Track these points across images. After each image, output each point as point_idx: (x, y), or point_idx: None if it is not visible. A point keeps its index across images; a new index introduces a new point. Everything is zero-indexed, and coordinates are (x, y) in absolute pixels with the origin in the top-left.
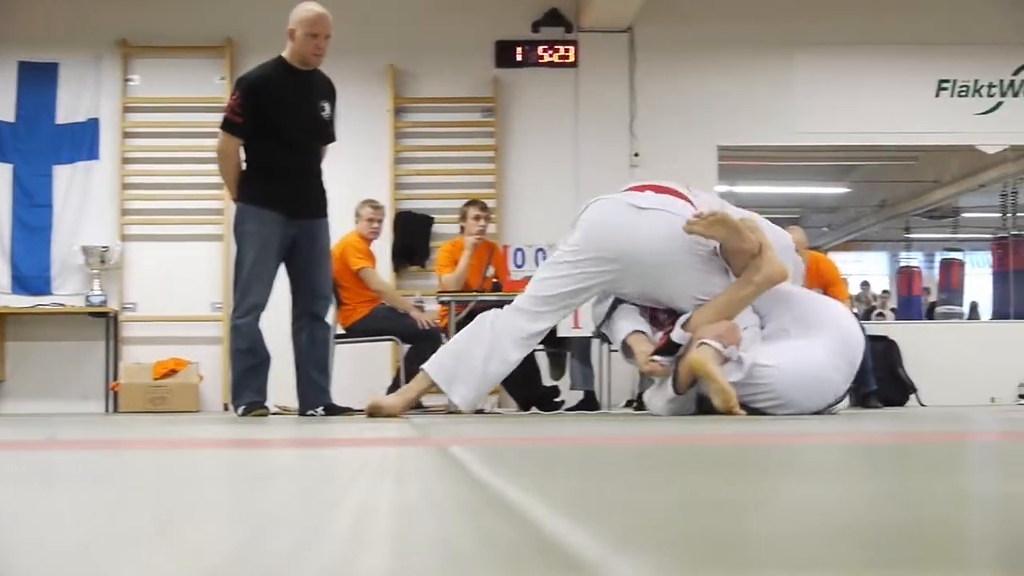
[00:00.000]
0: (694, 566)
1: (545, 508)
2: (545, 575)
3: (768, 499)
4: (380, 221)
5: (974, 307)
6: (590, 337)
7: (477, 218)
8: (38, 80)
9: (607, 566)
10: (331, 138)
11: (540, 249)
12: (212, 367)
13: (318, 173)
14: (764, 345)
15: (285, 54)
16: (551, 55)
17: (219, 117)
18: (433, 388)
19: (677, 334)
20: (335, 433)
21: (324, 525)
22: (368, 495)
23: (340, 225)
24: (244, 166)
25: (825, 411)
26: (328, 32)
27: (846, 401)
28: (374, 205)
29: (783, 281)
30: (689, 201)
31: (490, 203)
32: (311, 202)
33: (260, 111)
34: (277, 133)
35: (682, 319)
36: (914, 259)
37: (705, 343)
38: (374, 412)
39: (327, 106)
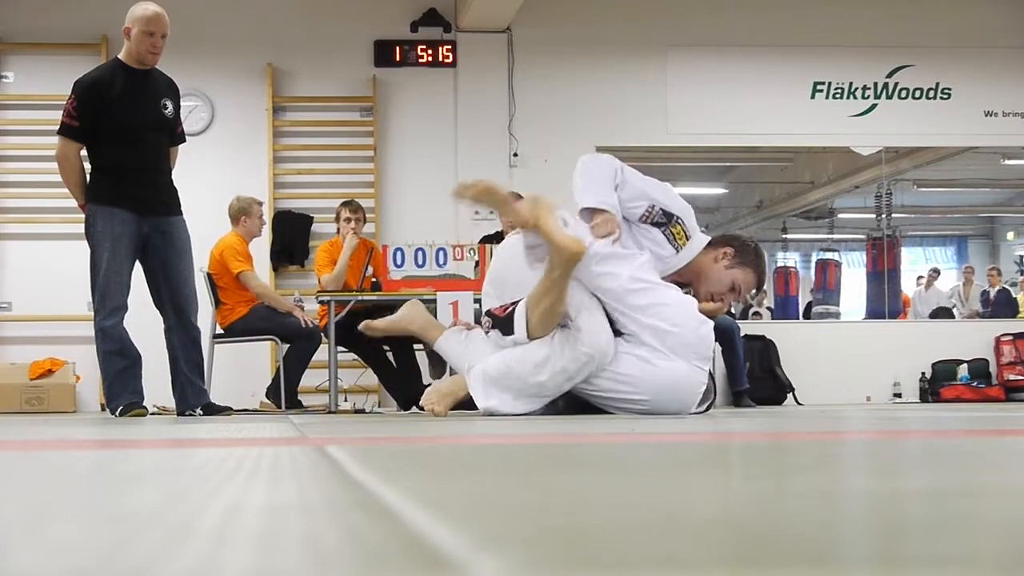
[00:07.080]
0: (558, 563)
1: (414, 507)
2: (408, 573)
3: (636, 497)
4: (260, 217)
5: None
6: None
7: (348, 220)
8: None
9: (470, 564)
10: (179, 138)
11: (420, 249)
12: (89, 367)
13: (166, 171)
14: (623, 353)
15: (121, 55)
16: (430, 55)
17: None
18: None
19: (519, 319)
20: (211, 433)
21: (192, 524)
22: (240, 494)
23: (219, 226)
24: (90, 168)
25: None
26: (165, 31)
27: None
28: (256, 202)
29: (579, 253)
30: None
31: (369, 203)
32: (161, 199)
33: (98, 112)
34: (119, 132)
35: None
36: (791, 259)
37: None
38: None
39: (170, 104)
